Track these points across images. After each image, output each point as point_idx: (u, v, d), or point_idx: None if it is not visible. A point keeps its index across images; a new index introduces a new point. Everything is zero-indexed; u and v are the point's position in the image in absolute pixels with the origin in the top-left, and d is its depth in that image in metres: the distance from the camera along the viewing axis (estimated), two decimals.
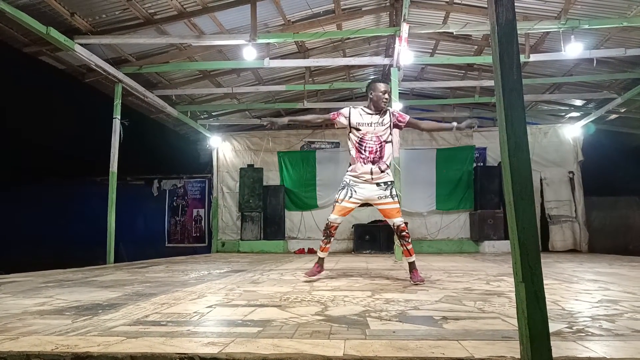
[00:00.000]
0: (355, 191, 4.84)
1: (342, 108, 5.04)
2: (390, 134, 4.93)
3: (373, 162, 4.81)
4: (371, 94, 4.86)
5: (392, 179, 4.92)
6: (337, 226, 4.97)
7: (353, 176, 4.89)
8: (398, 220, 4.88)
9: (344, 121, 4.94)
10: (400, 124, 4.96)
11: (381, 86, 4.83)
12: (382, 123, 4.85)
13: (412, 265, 5.00)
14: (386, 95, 4.85)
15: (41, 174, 16.36)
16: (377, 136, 4.83)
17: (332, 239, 5.03)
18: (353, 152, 4.90)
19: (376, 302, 3.48)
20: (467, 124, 4.97)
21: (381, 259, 9.24)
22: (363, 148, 4.83)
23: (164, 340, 2.22)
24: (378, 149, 4.82)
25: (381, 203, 4.86)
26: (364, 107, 4.96)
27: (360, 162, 4.82)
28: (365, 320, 2.72)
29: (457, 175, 13.83)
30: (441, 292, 4.03)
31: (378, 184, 4.84)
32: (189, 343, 2.17)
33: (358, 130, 4.86)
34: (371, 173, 4.81)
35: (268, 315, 2.91)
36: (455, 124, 5.00)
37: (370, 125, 4.84)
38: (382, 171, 4.83)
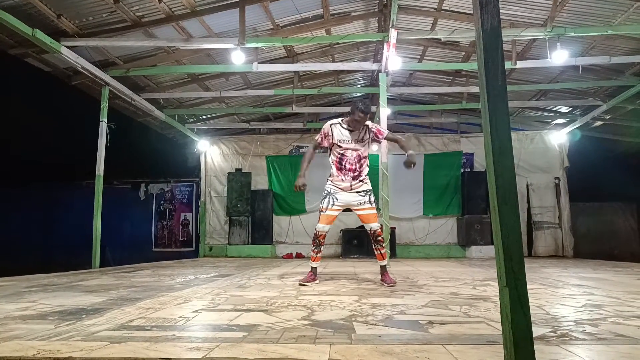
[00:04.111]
0: (336, 198, 5.06)
1: (322, 132, 5.18)
2: (369, 149, 5.21)
3: (353, 179, 5.08)
4: (355, 114, 4.95)
5: (370, 188, 5.18)
6: (326, 234, 5.18)
7: (334, 185, 5.12)
8: (375, 225, 5.08)
9: (327, 142, 5.16)
10: (378, 139, 5.20)
11: (363, 116, 4.95)
12: (362, 140, 5.09)
13: (383, 269, 5.22)
14: (361, 123, 5.01)
15: (26, 177, 16.20)
16: (358, 153, 5.08)
17: (322, 247, 5.22)
18: (334, 168, 5.13)
19: (363, 306, 3.48)
20: (410, 160, 5.08)
21: (369, 264, 9.25)
22: (343, 165, 5.08)
23: (148, 345, 2.20)
24: (357, 166, 5.09)
25: (360, 208, 5.09)
26: (343, 121, 5.14)
27: (341, 177, 5.08)
28: (352, 325, 2.72)
29: (445, 181, 13.89)
30: (428, 297, 4.04)
31: (358, 192, 5.10)
32: (173, 348, 2.15)
33: (339, 147, 5.09)
34: (350, 186, 5.09)
35: (254, 320, 2.90)
36: (411, 151, 5.13)
37: (351, 142, 5.06)
38: (361, 181, 5.12)
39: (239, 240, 13.64)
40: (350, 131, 5.05)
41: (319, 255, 5.24)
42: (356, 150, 5.06)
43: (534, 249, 13.51)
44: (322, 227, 5.09)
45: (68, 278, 6.13)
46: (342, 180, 5.06)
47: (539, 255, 13.35)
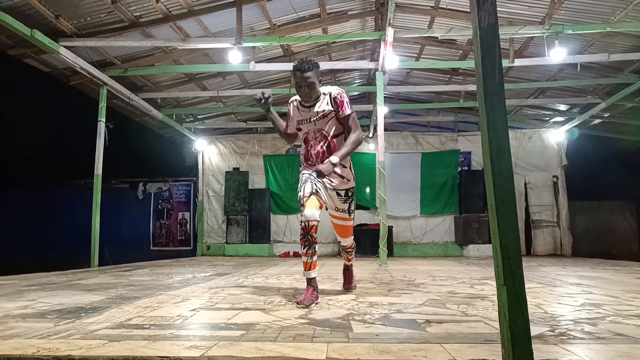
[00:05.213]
0: (320, 181, 3.82)
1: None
2: (341, 123, 3.86)
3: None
4: (294, 78, 3.82)
5: (354, 185, 4.03)
6: (317, 226, 3.68)
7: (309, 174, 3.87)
8: (347, 241, 4.26)
9: (292, 125, 4.05)
10: (339, 114, 3.80)
11: (300, 75, 3.73)
12: (323, 115, 3.81)
13: (347, 267, 4.48)
14: (304, 87, 3.76)
15: (25, 176, 16.19)
16: (322, 133, 3.86)
17: (316, 246, 3.73)
18: (302, 158, 4.03)
19: (360, 305, 3.48)
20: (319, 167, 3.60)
21: (366, 263, 9.25)
22: (308, 152, 3.93)
23: (146, 343, 2.20)
24: (325, 149, 3.85)
25: (336, 216, 4.08)
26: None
27: (309, 169, 3.89)
28: (349, 324, 2.72)
29: (442, 180, 13.89)
30: (425, 296, 4.04)
31: (338, 194, 3.97)
32: (172, 346, 2.15)
33: (300, 129, 3.97)
34: (330, 179, 3.87)
35: (251, 319, 2.90)
36: (337, 159, 3.63)
37: (310, 122, 3.86)
38: (341, 175, 3.89)
39: (236, 239, 13.64)
40: (306, 107, 3.86)
41: (314, 259, 3.73)
42: (320, 130, 3.84)
43: (532, 248, 13.53)
44: (310, 213, 3.64)
45: (67, 277, 6.13)
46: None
47: (537, 254, 13.37)
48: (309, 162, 3.91)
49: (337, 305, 3.49)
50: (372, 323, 2.75)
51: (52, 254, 13.37)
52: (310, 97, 3.79)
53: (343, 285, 4.47)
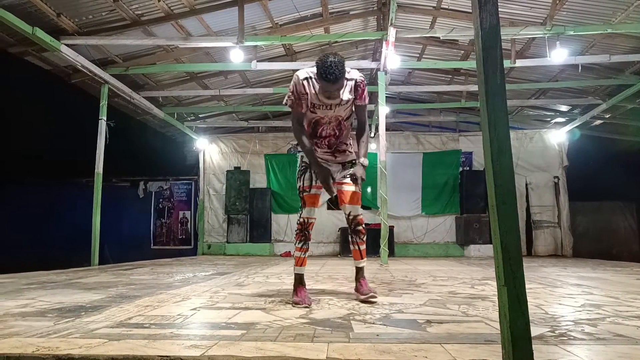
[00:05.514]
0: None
1: (291, 92, 3.59)
2: (354, 109, 3.73)
3: (329, 147, 3.79)
4: (321, 82, 3.44)
5: (355, 157, 3.87)
6: (314, 223, 3.78)
7: None
8: (356, 209, 3.80)
9: (305, 104, 3.60)
10: (357, 101, 3.64)
11: (331, 86, 3.39)
12: (345, 102, 3.60)
13: (360, 273, 3.99)
14: (331, 94, 3.49)
15: (25, 174, 16.18)
16: (338, 119, 3.70)
17: (310, 243, 3.79)
18: (305, 132, 3.74)
19: (361, 305, 3.48)
20: (358, 173, 3.67)
21: (367, 262, 9.21)
22: (317, 133, 3.74)
23: (146, 342, 2.20)
24: (337, 132, 3.76)
25: (342, 182, 3.78)
26: (316, 75, 3.46)
27: (314, 146, 3.73)
28: (350, 324, 2.72)
29: (444, 180, 13.89)
30: (426, 296, 4.04)
31: (344, 165, 3.83)
32: (172, 345, 2.15)
33: (314, 112, 3.65)
34: (334, 156, 3.81)
35: (252, 318, 2.89)
36: (366, 161, 3.75)
37: (330, 108, 3.60)
38: (345, 151, 3.84)
39: (237, 239, 13.65)
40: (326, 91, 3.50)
41: (306, 255, 3.77)
42: (337, 117, 3.67)
43: (533, 248, 13.53)
44: (308, 211, 3.71)
45: (67, 275, 6.13)
46: (317, 148, 3.74)
47: (538, 255, 13.36)
48: (315, 140, 3.75)
49: (338, 305, 3.49)
50: (373, 323, 2.75)
51: (52, 252, 13.40)
52: (335, 98, 3.54)
53: (360, 292, 3.81)
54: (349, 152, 3.86)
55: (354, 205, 3.78)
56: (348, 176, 3.76)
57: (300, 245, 3.72)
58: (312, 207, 3.72)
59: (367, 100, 3.70)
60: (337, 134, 3.75)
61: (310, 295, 3.69)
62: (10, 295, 4.05)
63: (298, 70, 3.64)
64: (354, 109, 3.73)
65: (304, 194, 3.71)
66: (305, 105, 3.58)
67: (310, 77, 3.52)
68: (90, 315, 2.97)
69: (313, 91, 3.52)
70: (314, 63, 3.47)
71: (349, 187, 3.76)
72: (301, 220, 3.71)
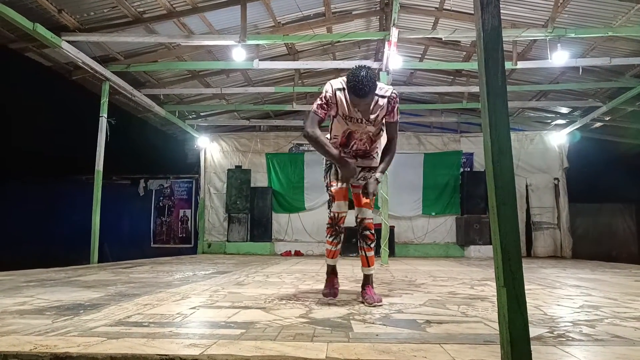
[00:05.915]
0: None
1: (322, 96, 3.57)
2: (385, 124, 3.71)
3: (356, 156, 3.81)
4: (350, 96, 3.45)
5: (377, 164, 3.82)
6: (345, 217, 3.76)
7: None
8: (367, 213, 3.75)
9: (333, 112, 3.60)
10: (388, 118, 3.63)
11: (359, 101, 3.41)
12: (374, 119, 3.57)
13: (367, 280, 3.83)
14: (359, 108, 3.50)
15: (25, 171, 16.16)
16: (368, 135, 3.70)
17: (342, 236, 3.83)
18: (337, 138, 3.76)
19: (361, 305, 3.48)
20: (370, 189, 3.59)
21: None
22: (348, 144, 3.74)
23: (145, 341, 2.20)
24: (367, 146, 3.78)
25: (357, 185, 3.78)
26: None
27: (342, 154, 3.70)
28: (349, 323, 2.72)
29: (444, 180, 13.89)
30: (426, 296, 4.04)
31: (362, 168, 3.83)
32: (171, 344, 2.15)
33: (346, 123, 3.62)
34: (356, 158, 3.81)
35: (252, 317, 2.90)
36: (381, 177, 3.67)
37: (361, 123, 3.58)
38: (370, 156, 3.87)
39: (237, 238, 13.65)
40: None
41: (338, 247, 3.83)
42: (367, 133, 3.66)
43: (533, 250, 13.53)
44: (340, 205, 3.70)
45: (66, 273, 6.13)
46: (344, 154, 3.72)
47: (537, 256, 13.37)
48: (344, 150, 3.76)
49: (338, 304, 3.49)
50: (373, 323, 2.75)
51: (52, 249, 13.39)
52: (365, 112, 3.53)
53: (364, 300, 3.64)
54: (374, 157, 3.87)
55: (363, 208, 3.76)
56: (363, 181, 3.72)
57: (331, 239, 3.78)
58: (342, 201, 3.72)
59: (397, 117, 3.68)
60: (367, 148, 3.79)
61: (339, 287, 3.92)
62: (9, 292, 4.05)
63: (331, 79, 3.63)
64: (383, 126, 3.71)
65: (332, 188, 3.75)
66: (333, 112, 3.59)
67: (344, 88, 3.50)
68: (89, 314, 2.97)
69: (345, 103, 3.51)
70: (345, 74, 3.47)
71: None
72: (332, 215, 3.73)
